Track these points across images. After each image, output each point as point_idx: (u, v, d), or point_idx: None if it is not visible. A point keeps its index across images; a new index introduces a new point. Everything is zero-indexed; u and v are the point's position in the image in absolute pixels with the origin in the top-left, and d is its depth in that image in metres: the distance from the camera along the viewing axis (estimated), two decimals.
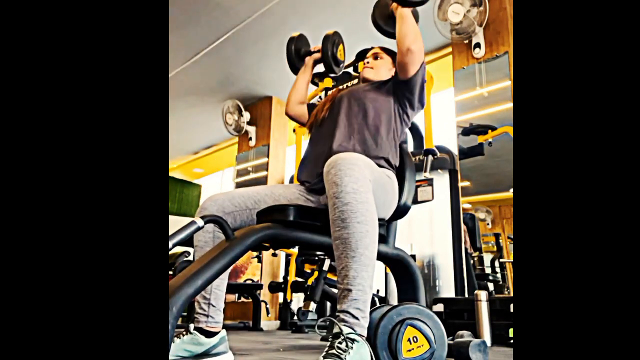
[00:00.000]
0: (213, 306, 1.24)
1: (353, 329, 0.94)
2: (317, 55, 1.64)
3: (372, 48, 1.64)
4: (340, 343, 0.91)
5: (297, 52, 1.66)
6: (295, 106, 1.64)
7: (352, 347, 0.90)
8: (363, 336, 0.96)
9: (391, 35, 1.52)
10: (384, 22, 1.53)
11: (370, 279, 0.99)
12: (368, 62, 1.59)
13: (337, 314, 0.97)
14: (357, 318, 0.95)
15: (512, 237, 2.89)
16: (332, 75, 1.64)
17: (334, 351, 0.89)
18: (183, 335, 1.22)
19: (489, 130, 2.97)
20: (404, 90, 1.42)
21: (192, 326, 1.23)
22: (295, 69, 1.67)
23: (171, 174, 6.97)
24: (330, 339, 0.93)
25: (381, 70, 1.56)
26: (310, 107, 1.64)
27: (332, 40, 1.60)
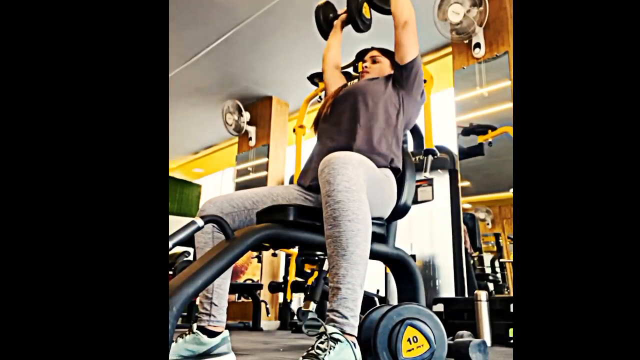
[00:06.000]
0: (215, 305, 1.24)
1: (341, 329, 0.92)
2: (344, 16, 1.70)
3: (371, 49, 1.63)
4: (322, 343, 0.89)
5: (325, 19, 1.75)
6: (332, 68, 1.68)
7: (333, 347, 0.88)
8: (353, 336, 0.94)
9: (386, 11, 1.57)
10: None
11: (360, 277, 0.97)
12: (366, 67, 1.58)
13: (326, 313, 0.96)
14: (345, 317, 0.94)
15: (512, 237, 2.89)
16: (359, 31, 1.70)
17: (313, 351, 0.88)
18: (186, 335, 1.21)
19: (489, 130, 2.97)
20: (402, 80, 1.41)
21: (194, 325, 1.23)
22: (325, 35, 1.75)
23: (171, 174, 6.97)
24: (316, 339, 0.92)
25: (379, 73, 1.55)
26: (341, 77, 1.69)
27: (356, 0, 1.68)
